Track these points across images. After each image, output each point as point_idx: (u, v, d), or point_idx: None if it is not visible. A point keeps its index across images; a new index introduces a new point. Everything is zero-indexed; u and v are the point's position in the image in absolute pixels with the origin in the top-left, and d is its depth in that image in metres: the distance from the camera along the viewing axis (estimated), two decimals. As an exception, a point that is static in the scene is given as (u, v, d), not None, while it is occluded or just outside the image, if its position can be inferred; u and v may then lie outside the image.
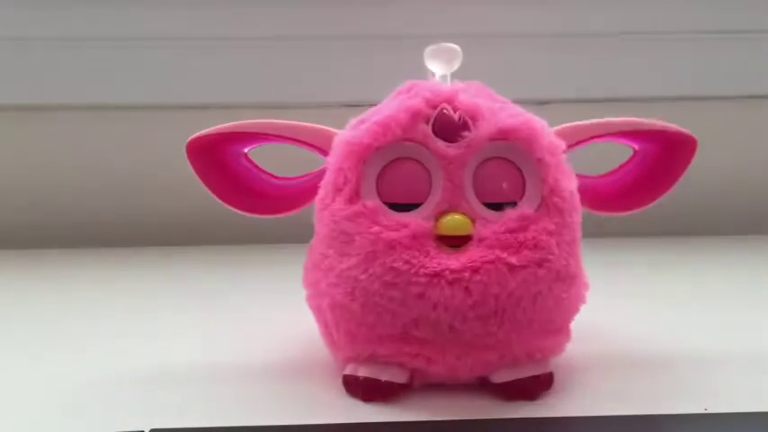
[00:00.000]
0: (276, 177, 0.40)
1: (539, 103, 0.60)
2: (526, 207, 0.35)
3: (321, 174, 0.37)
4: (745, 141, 0.66)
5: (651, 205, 0.40)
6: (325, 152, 0.37)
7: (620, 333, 0.44)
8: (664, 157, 0.39)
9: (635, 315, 0.47)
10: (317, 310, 0.37)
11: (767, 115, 0.66)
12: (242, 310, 0.49)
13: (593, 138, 0.38)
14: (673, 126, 0.39)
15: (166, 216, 0.64)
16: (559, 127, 0.38)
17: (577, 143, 0.38)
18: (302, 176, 0.39)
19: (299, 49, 0.62)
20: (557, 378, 0.37)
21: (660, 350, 0.42)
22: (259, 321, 0.46)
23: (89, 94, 0.62)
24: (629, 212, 0.40)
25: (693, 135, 0.39)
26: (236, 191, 0.39)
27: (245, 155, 0.39)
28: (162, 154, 0.63)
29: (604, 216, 0.40)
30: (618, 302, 0.48)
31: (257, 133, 0.38)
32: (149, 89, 0.62)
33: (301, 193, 0.38)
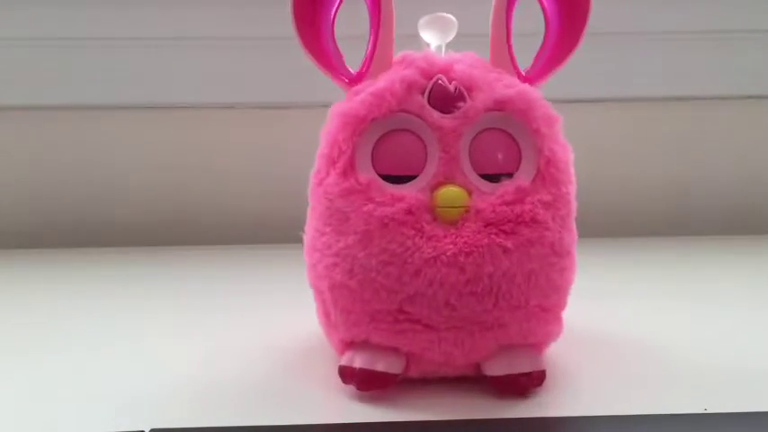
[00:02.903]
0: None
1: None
2: (522, 178, 0.35)
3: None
4: (745, 141, 0.66)
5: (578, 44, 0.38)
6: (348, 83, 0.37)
7: (618, 333, 0.44)
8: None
9: (632, 315, 0.47)
10: (317, 290, 0.37)
11: (767, 115, 0.66)
12: (241, 310, 0.49)
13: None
14: None
15: (167, 216, 0.64)
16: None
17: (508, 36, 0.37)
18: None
19: (299, 49, 0.62)
20: (552, 378, 0.37)
21: (659, 350, 0.42)
22: (259, 321, 0.45)
23: (89, 94, 0.62)
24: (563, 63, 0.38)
25: None
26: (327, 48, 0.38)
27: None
28: (162, 154, 0.64)
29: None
30: (615, 302, 0.48)
31: None
32: (149, 89, 0.62)
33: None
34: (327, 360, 0.39)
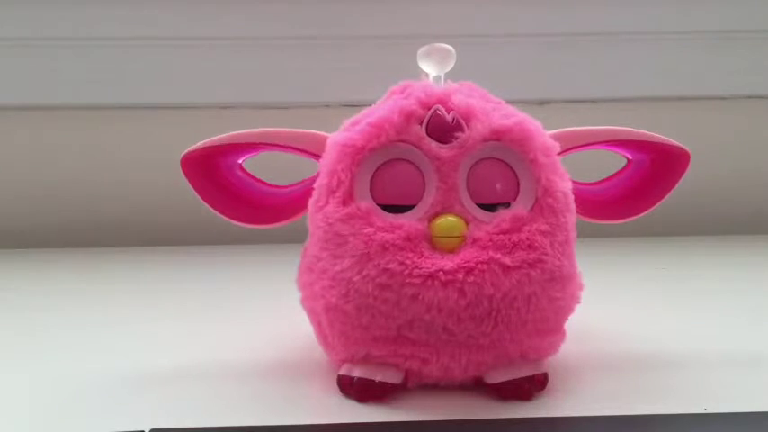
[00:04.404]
0: (272, 186, 0.40)
1: (539, 103, 0.60)
2: (520, 208, 0.35)
3: (316, 179, 0.37)
4: (745, 141, 0.66)
5: (642, 215, 0.40)
6: (319, 157, 0.37)
7: (618, 333, 0.44)
8: (657, 168, 0.40)
9: (632, 315, 0.47)
10: (312, 312, 0.37)
11: (767, 115, 0.66)
12: (240, 310, 0.49)
13: (587, 144, 0.38)
14: (666, 139, 0.39)
15: (166, 216, 0.64)
16: (555, 131, 0.38)
17: (572, 149, 0.38)
18: (298, 183, 0.39)
19: (299, 49, 0.62)
20: (553, 378, 0.37)
21: (659, 350, 0.42)
22: (258, 321, 0.46)
23: (89, 94, 0.62)
24: (619, 221, 0.40)
25: (686, 148, 0.39)
26: (233, 203, 0.39)
27: (240, 165, 0.39)
28: (162, 154, 0.64)
29: (595, 223, 0.40)
30: (615, 302, 0.48)
31: (250, 143, 0.38)
32: (149, 89, 0.62)
33: (299, 199, 0.38)
34: (326, 360, 0.38)
